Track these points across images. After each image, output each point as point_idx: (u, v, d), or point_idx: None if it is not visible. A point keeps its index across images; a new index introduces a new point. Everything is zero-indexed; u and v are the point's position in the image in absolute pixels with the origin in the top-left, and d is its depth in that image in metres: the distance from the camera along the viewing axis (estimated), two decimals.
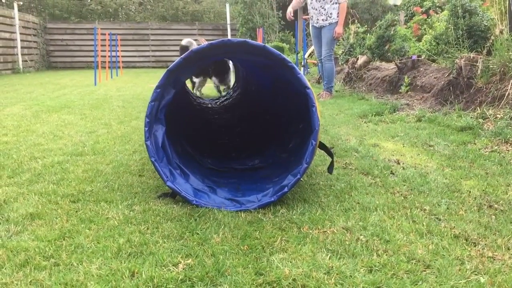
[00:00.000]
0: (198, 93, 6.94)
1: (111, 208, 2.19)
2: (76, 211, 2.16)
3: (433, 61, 6.14)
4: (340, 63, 9.02)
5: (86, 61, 17.41)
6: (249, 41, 2.31)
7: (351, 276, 1.57)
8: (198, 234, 1.91)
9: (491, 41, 4.99)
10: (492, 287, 1.52)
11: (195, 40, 7.15)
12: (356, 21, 10.75)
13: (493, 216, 2.10)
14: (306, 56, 10.55)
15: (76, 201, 2.30)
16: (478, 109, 4.20)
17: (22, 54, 15.06)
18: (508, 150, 3.24)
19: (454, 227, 1.98)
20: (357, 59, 7.81)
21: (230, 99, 5.08)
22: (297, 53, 10.31)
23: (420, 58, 6.26)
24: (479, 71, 4.51)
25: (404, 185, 2.57)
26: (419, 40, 7.84)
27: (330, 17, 6.47)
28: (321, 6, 6.50)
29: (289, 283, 1.52)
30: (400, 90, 6.06)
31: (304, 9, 15.73)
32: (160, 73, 2.49)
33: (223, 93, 6.45)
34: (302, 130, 2.79)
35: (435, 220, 2.07)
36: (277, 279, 1.54)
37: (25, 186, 2.54)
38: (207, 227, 1.98)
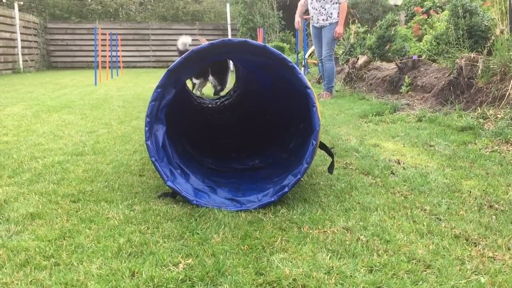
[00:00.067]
0: (198, 93, 6.94)
1: (112, 208, 2.20)
2: (77, 211, 2.16)
3: (434, 61, 6.14)
4: (340, 63, 9.02)
5: (86, 61, 17.40)
6: (249, 41, 2.31)
7: (351, 276, 1.57)
8: (198, 234, 1.91)
9: (491, 41, 4.98)
10: (493, 287, 1.51)
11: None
12: (356, 21, 10.75)
13: (494, 216, 2.10)
14: (306, 56, 10.55)
15: (76, 201, 2.30)
16: (479, 109, 4.20)
17: (22, 54, 15.06)
18: (509, 150, 3.23)
19: (455, 227, 1.98)
20: (358, 59, 7.81)
21: (231, 99, 5.07)
22: (298, 53, 10.31)
23: (420, 58, 6.26)
24: (479, 71, 4.51)
25: (405, 185, 2.56)
26: (420, 40, 7.83)
27: (331, 17, 6.47)
28: (321, 6, 6.50)
29: (290, 283, 1.52)
30: (400, 90, 6.06)
31: (306, 10, 15.72)
32: (160, 73, 2.49)
33: (221, 94, 6.42)
34: (303, 130, 2.79)
35: (435, 220, 2.06)
36: (277, 279, 1.54)
37: (26, 186, 2.54)
38: (208, 227, 1.98)
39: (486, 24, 5.37)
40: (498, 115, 3.92)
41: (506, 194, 2.40)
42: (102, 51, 10.88)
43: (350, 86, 7.56)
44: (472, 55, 4.73)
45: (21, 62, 14.91)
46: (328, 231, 1.93)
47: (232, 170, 2.96)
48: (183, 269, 1.61)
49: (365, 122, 4.64)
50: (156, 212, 2.14)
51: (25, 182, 2.60)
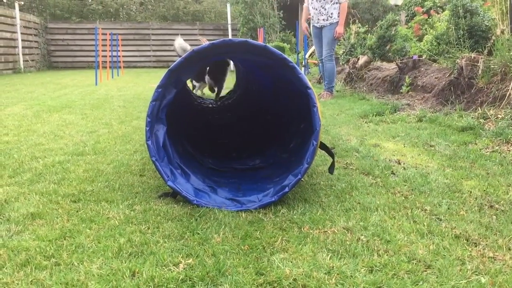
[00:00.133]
0: (199, 93, 6.93)
1: (112, 208, 2.20)
2: (77, 211, 2.16)
3: (434, 61, 6.13)
4: (341, 63, 9.02)
5: (87, 61, 17.41)
6: (250, 41, 2.31)
7: (351, 276, 1.57)
8: (198, 234, 1.91)
9: (492, 41, 4.98)
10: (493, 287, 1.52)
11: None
12: (357, 21, 10.74)
13: (494, 217, 2.10)
14: (307, 56, 10.55)
15: (77, 201, 2.30)
16: (479, 109, 4.20)
17: (23, 54, 15.06)
18: (509, 150, 3.23)
19: (455, 227, 1.98)
20: (358, 59, 7.81)
21: (231, 99, 5.08)
22: (298, 53, 10.31)
23: (421, 58, 6.26)
24: (480, 71, 4.50)
25: (405, 185, 2.56)
26: (420, 40, 7.83)
27: (331, 17, 6.46)
28: (321, 6, 6.50)
29: (290, 283, 1.52)
30: (401, 90, 6.05)
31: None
32: (161, 73, 2.50)
33: (221, 94, 6.37)
34: (303, 130, 2.79)
35: (436, 220, 2.06)
36: (277, 279, 1.54)
37: (26, 185, 2.54)
38: (208, 227, 1.98)
39: (487, 24, 5.36)
40: (499, 115, 3.92)
41: (506, 194, 2.40)
42: (102, 51, 10.89)
43: (350, 86, 7.56)
44: (473, 55, 4.73)
45: (21, 62, 14.92)
46: (329, 231, 1.93)
47: (232, 170, 2.96)
48: (184, 269, 1.61)
49: (366, 122, 4.64)
50: (156, 212, 2.14)
51: (26, 182, 2.60)
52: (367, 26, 10.14)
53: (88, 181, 2.63)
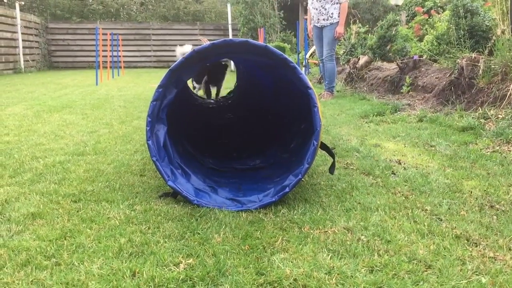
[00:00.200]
0: (200, 93, 6.92)
1: (112, 208, 2.20)
2: (77, 211, 2.16)
3: (435, 61, 6.13)
4: (341, 63, 9.02)
5: (87, 61, 17.43)
6: (251, 41, 2.31)
7: (352, 276, 1.57)
8: (199, 234, 1.91)
9: (492, 41, 4.98)
10: None
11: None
12: (357, 21, 10.74)
13: (495, 217, 2.10)
14: (307, 56, 10.54)
15: (77, 201, 2.30)
16: (480, 109, 4.19)
17: (23, 54, 15.07)
18: (510, 150, 3.23)
19: (456, 227, 1.97)
20: (359, 59, 7.81)
21: (232, 99, 5.08)
22: (299, 53, 10.31)
23: (421, 58, 6.26)
24: (480, 71, 4.50)
25: (406, 185, 2.56)
26: (421, 40, 7.83)
27: (331, 17, 6.46)
28: (321, 6, 6.50)
29: (290, 283, 1.52)
30: (401, 90, 6.05)
31: (306, 9, 15.74)
32: (161, 73, 2.50)
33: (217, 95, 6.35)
34: (304, 130, 2.79)
35: (436, 221, 2.06)
36: (278, 279, 1.54)
37: (27, 185, 2.54)
38: (208, 227, 1.98)
39: (487, 24, 5.36)
40: (499, 115, 3.92)
41: (507, 194, 2.40)
42: (103, 51, 10.89)
43: (351, 86, 7.56)
44: (473, 55, 4.73)
45: (22, 62, 14.93)
46: (329, 231, 1.93)
47: (233, 170, 2.96)
48: (184, 269, 1.61)
49: (366, 122, 4.64)
50: (157, 212, 2.14)
51: (26, 182, 2.60)
52: (367, 26, 10.14)
53: (88, 181, 2.63)
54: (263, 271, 1.60)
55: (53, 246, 1.78)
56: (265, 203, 2.23)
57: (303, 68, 9.91)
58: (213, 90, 6.68)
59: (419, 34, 8.30)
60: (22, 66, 14.86)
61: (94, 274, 1.57)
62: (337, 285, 1.52)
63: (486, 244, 1.81)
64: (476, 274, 1.59)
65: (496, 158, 3.07)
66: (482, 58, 4.56)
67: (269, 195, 2.29)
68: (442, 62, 5.88)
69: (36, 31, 16.50)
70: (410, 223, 2.02)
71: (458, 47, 5.30)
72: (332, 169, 2.60)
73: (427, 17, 8.75)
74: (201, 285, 1.52)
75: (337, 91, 7.00)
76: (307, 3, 6.88)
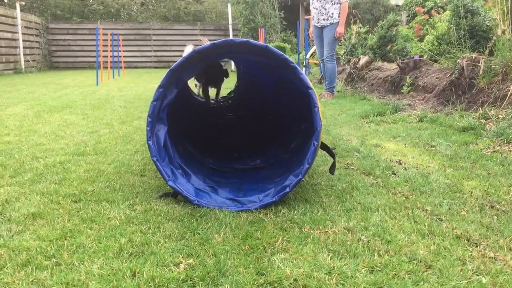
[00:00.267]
0: (201, 91, 6.91)
1: (113, 208, 2.20)
2: (78, 211, 2.16)
3: (435, 61, 6.13)
4: (342, 63, 9.02)
5: (88, 61, 17.44)
6: (251, 41, 2.31)
7: (352, 276, 1.56)
8: (199, 234, 1.91)
9: (493, 41, 4.97)
10: None
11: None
12: (358, 21, 10.74)
13: (495, 217, 2.10)
14: (307, 56, 10.54)
15: (77, 201, 2.30)
16: (480, 109, 4.19)
17: (24, 54, 15.08)
18: (510, 151, 3.23)
19: (456, 227, 1.97)
20: (359, 59, 7.81)
21: (232, 99, 5.08)
22: (299, 53, 10.31)
23: (422, 58, 6.25)
24: (481, 72, 4.50)
25: (406, 186, 2.56)
26: (421, 40, 7.82)
27: (331, 17, 6.46)
28: (321, 6, 6.49)
29: (290, 283, 1.52)
30: (402, 91, 6.05)
31: (306, 9, 15.75)
32: (162, 73, 2.50)
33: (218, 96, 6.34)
34: (304, 130, 2.79)
35: (436, 221, 2.06)
36: (278, 279, 1.54)
37: (27, 185, 2.54)
38: (209, 227, 1.98)
39: (488, 24, 5.36)
40: (500, 116, 3.91)
41: (507, 194, 2.40)
42: (103, 51, 10.90)
43: (351, 86, 7.56)
44: (474, 55, 4.73)
45: (22, 62, 14.94)
46: (329, 232, 1.93)
47: (233, 170, 2.96)
48: (184, 269, 1.61)
49: (367, 122, 4.64)
50: (157, 212, 2.14)
51: (27, 182, 2.60)
52: (368, 26, 10.13)
53: (89, 181, 2.63)
54: (263, 271, 1.60)
55: (53, 246, 1.78)
56: (265, 203, 2.23)
57: (304, 68, 9.91)
58: (213, 91, 6.66)
59: (419, 34, 8.30)
60: (23, 66, 14.87)
61: (95, 274, 1.57)
62: (337, 285, 1.52)
63: (487, 244, 1.81)
64: (477, 274, 1.59)
65: (496, 158, 3.06)
66: (482, 58, 4.56)
67: (269, 195, 2.29)
68: (443, 62, 5.88)
69: (36, 31, 16.52)
70: (411, 223, 2.02)
71: (458, 47, 5.30)
72: (332, 169, 2.60)
73: (428, 17, 8.74)
74: (201, 285, 1.52)
75: (338, 91, 7.00)
76: (307, 3, 6.89)
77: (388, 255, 1.71)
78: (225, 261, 1.66)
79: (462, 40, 5.25)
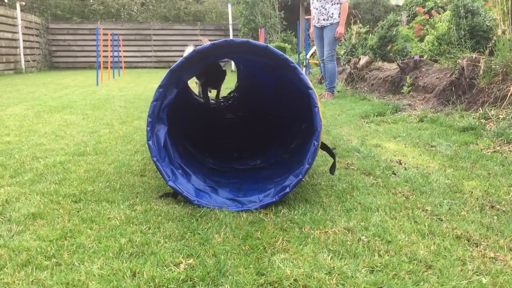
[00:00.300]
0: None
1: (113, 208, 2.20)
2: (78, 211, 2.16)
3: (435, 61, 6.13)
4: (342, 63, 9.02)
5: (88, 61, 17.45)
6: (251, 41, 2.31)
7: (352, 276, 1.56)
8: (199, 234, 1.91)
9: (493, 41, 4.97)
10: None
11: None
12: (358, 21, 10.74)
13: (495, 217, 2.10)
14: (308, 56, 10.55)
15: (77, 201, 2.30)
16: (480, 109, 4.19)
17: (24, 54, 15.09)
18: (511, 151, 3.23)
19: (456, 227, 1.97)
20: (359, 59, 7.81)
21: (232, 99, 5.08)
22: (299, 54, 10.31)
23: (422, 59, 6.25)
24: (481, 72, 4.50)
25: (406, 186, 2.56)
26: (421, 40, 7.82)
27: (332, 17, 6.46)
28: (321, 5, 6.49)
29: (291, 284, 1.52)
30: (402, 91, 6.05)
31: (307, 10, 15.75)
32: (162, 73, 2.50)
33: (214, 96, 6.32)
34: (304, 130, 2.79)
35: (437, 221, 2.06)
36: (278, 279, 1.54)
37: (27, 186, 2.54)
38: (209, 227, 1.98)
39: (488, 24, 5.36)
40: (500, 116, 3.91)
41: (507, 194, 2.40)
42: (104, 51, 10.90)
43: (351, 86, 7.56)
44: (474, 55, 4.73)
45: (23, 63, 14.94)
46: (329, 232, 1.93)
47: (233, 170, 2.96)
48: (184, 269, 1.61)
49: (367, 122, 4.64)
50: (157, 212, 2.14)
51: (27, 182, 2.60)
52: (368, 26, 10.13)
53: (89, 181, 2.63)
54: (264, 271, 1.60)
55: (53, 246, 1.78)
56: (265, 203, 2.23)
57: (304, 68, 9.91)
58: (212, 93, 6.64)
59: (419, 34, 8.30)
60: (23, 67, 14.88)
61: (95, 274, 1.57)
62: (338, 286, 1.51)
63: (487, 245, 1.81)
64: (477, 275, 1.59)
65: (496, 158, 3.06)
66: (482, 58, 4.56)
67: (269, 195, 2.29)
68: (443, 62, 5.87)
69: (36, 32, 16.52)
70: (411, 224, 2.02)
71: (458, 47, 5.30)
72: (332, 169, 2.60)
73: (428, 17, 8.74)
74: (202, 285, 1.52)
75: (338, 91, 7.00)
76: (308, 3, 6.90)
77: (388, 255, 1.71)
78: (225, 261, 1.65)
79: (462, 40, 5.25)
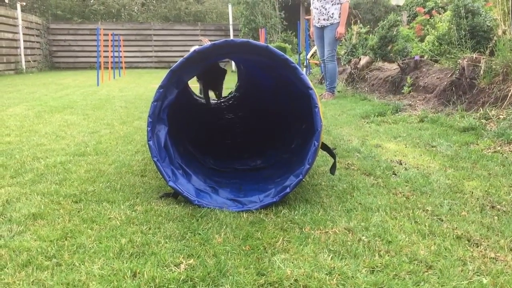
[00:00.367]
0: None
1: (113, 208, 2.20)
2: (78, 211, 2.16)
3: (436, 61, 6.13)
4: (342, 64, 9.02)
5: (88, 61, 17.46)
6: (252, 41, 2.31)
7: (352, 276, 1.56)
8: (200, 234, 1.91)
9: (493, 41, 4.97)
10: None
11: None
12: (358, 21, 10.74)
13: (496, 217, 2.10)
14: (308, 56, 10.55)
15: (78, 201, 2.30)
16: (481, 109, 4.19)
17: (25, 55, 15.10)
18: (511, 151, 3.23)
19: (457, 228, 1.97)
20: (360, 59, 7.81)
21: (233, 100, 5.07)
22: (300, 54, 10.31)
23: (422, 59, 6.25)
24: (481, 72, 4.50)
25: (407, 186, 2.56)
26: (422, 40, 7.81)
27: (332, 17, 6.46)
28: (322, 6, 6.49)
29: (291, 284, 1.52)
30: (402, 91, 6.05)
31: (307, 10, 15.75)
32: (162, 74, 2.50)
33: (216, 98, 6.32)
34: (305, 130, 2.79)
35: (437, 221, 2.06)
36: (278, 279, 1.54)
37: (28, 186, 2.55)
38: (209, 228, 1.98)
39: (488, 24, 5.35)
40: (500, 116, 3.91)
41: (508, 194, 2.40)
42: (104, 51, 10.90)
43: (352, 86, 7.55)
44: (474, 55, 4.73)
45: (23, 63, 14.95)
46: (330, 232, 1.93)
47: (233, 171, 2.96)
48: (185, 269, 1.61)
49: (367, 122, 4.64)
50: (157, 213, 2.14)
51: (27, 183, 2.61)
52: (368, 26, 10.13)
53: (89, 182, 2.63)
54: (264, 271, 1.60)
55: (54, 246, 1.78)
56: (266, 203, 2.23)
57: (304, 69, 9.91)
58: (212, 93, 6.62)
59: (420, 34, 8.29)
60: (24, 67, 14.89)
61: (95, 275, 1.57)
62: (338, 286, 1.51)
63: (487, 245, 1.81)
64: (477, 275, 1.59)
65: (497, 158, 3.06)
66: (483, 58, 4.56)
67: (270, 195, 2.29)
68: (443, 62, 5.87)
69: (37, 32, 16.53)
70: (411, 224, 2.02)
71: (459, 48, 5.29)
72: (333, 169, 2.60)
73: (428, 18, 8.74)
74: (202, 286, 1.52)
75: (338, 92, 7.00)
76: (308, 4, 6.90)
77: (388, 256, 1.71)
78: (225, 262, 1.65)
79: (462, 40, 5.25)
